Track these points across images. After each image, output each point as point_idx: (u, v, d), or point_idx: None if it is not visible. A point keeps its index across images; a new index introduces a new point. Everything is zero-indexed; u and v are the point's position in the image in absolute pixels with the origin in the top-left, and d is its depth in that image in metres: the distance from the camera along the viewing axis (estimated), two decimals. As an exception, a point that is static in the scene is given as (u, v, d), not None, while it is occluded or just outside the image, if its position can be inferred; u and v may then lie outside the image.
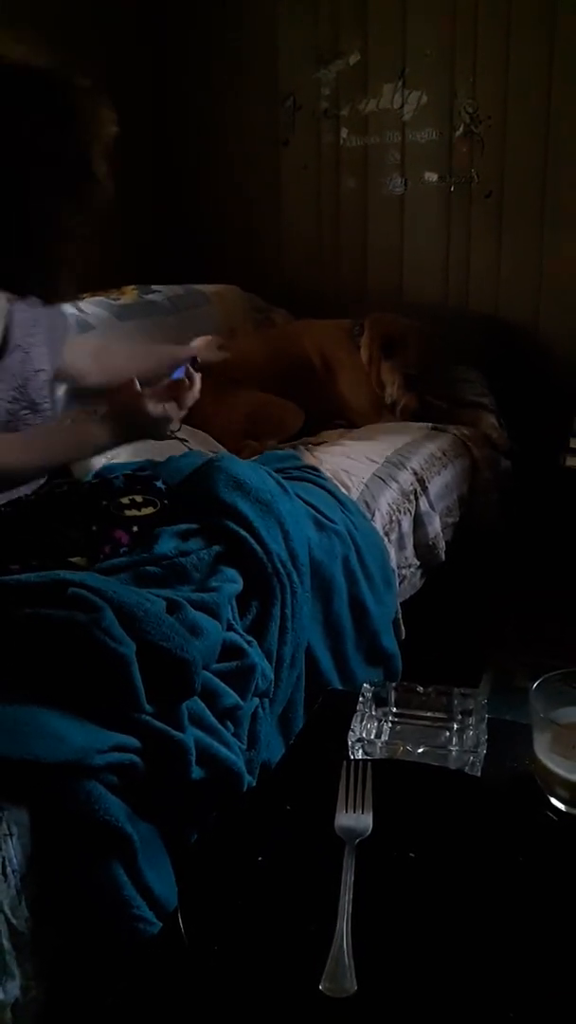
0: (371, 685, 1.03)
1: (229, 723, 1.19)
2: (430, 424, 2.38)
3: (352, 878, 0.77)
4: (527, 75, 2.59)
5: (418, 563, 2.06)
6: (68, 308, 1.95)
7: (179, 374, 1.49)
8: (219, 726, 1.15)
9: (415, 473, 2.10)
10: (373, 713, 1.02)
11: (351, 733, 0.97)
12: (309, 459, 2.04)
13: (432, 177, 2.82)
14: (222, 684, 1.19)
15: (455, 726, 1.01)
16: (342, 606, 1.53)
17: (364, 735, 0.98)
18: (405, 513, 2.01)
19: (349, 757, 0.96)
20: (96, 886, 0.96)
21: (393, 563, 1.87)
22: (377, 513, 1.91)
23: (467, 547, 2.32)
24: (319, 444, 2.27)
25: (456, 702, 1.02)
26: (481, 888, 0.78)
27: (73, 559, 1.31)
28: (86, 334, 2.14)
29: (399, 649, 1.69)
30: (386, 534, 1.90)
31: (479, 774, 0.94)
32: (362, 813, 0.85)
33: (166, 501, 1.44)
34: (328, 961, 0.69)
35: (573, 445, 2.40)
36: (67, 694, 1.04)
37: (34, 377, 1.45)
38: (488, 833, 0.84)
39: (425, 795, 0.88)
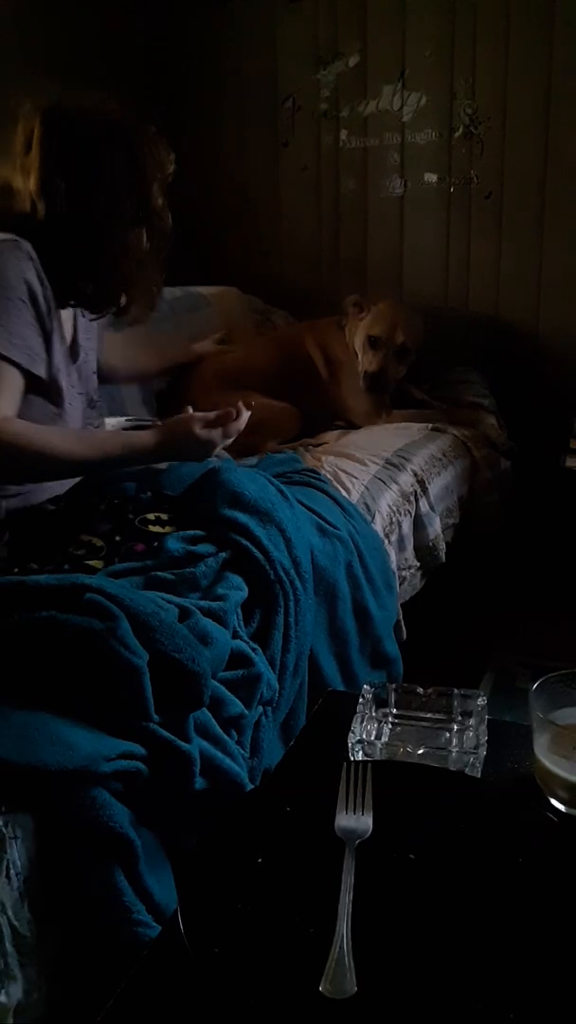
0: (371, 686, 1.03)
1: (233, 731, 1.19)
2: (430, 425, 2.38)
3: (352, 879, 0.77)
4: (526, 76, 2.59)
5: (418, 564, 2.06)
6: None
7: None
8: (224, 736, 1.16)
9: (415, 474, 2.10)
10: (373, 714, 1.02)
11: (351, 734, 0.97)
12: (310, 461, 2.04)
13: (432, 178, 2.82)
14: (228, 693, 1.19)
15: (455, 727, 1.01)
16: (346, 612, 1.53)
17: (364, 736, 0.98)
18: (405, 514, 2.01)
19: (349, 758, 0.96)
20: (98, 890, 0.96)
21: (393, 565, 1.87)
22: (377, 515, 1.91)
23: (467, 548, 2.32)
24: (319, 445, 2.27)
25: (456, 703, 1.02)
26: (481, 889, 0.78)
27: (90, 562, 1.33)
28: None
29: (400, 651, 1.69)
30: (386, 535, 1.90)
31: (479, 775, 0.94)
32: (362, 814, 0.84)
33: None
34: (328, 962, 0.69)
35: (573, 445, 2.40)
36: (78, 700, 1.05)
37: (92, 377, 1.63)
38: (488, 834, 0.84)
39: (425, 796, 0.88)
